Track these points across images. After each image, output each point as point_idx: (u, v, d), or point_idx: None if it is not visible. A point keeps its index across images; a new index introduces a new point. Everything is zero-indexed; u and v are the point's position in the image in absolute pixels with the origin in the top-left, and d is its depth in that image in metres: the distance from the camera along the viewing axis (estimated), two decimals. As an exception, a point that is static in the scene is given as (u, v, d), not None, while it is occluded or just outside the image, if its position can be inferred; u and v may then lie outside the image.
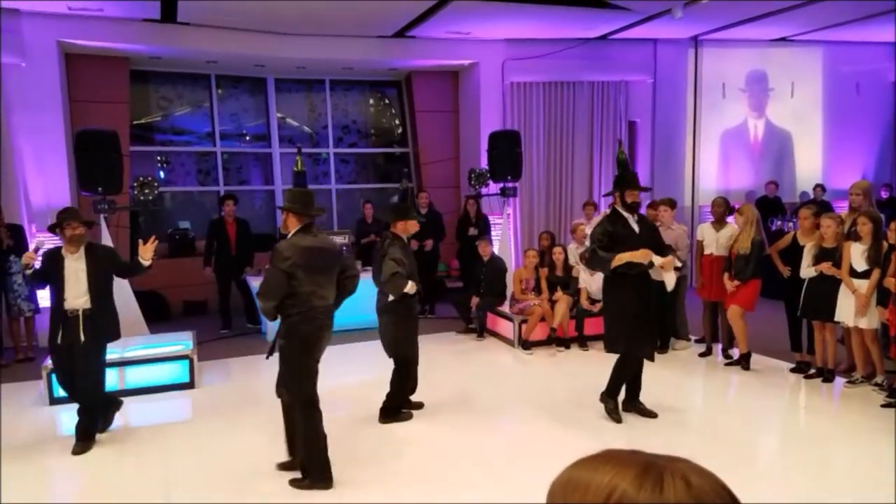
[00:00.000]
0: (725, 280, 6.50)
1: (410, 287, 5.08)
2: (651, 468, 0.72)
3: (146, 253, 4.91)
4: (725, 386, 6.37)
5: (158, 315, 9.02)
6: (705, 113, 11.39)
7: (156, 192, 7.53)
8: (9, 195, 7.74)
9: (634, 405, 5.35)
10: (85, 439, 4.85)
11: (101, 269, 4.86)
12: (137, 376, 6.11)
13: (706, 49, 11.15)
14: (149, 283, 8.97)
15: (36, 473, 4.58)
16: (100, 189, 7.06)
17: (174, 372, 6.24)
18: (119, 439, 5.24)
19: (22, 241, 7.52)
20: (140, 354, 6.28)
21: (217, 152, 10.63)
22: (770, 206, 10.68)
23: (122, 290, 7.33)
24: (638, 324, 5.08)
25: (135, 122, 10.00)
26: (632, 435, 4.97)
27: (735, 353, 6.73)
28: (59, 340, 4.78)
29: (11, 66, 7.91)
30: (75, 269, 4.76)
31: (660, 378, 6.34)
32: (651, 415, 5.27)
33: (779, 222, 10.04)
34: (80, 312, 4.75)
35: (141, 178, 7.54)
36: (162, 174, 10.57)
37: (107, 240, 7.22)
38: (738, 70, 11.48)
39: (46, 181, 8.25)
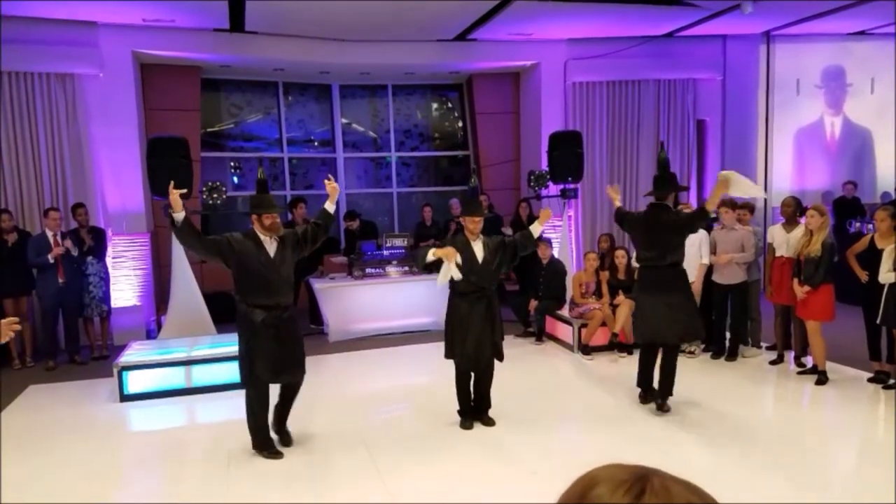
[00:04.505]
0: (795, 286, 6.17)
1: (434, 254, 5.10)
2: (639, 478, 0.71)
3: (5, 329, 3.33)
4: (798, 396, 6.07)
5: (227, 315, 9.25)
6: (778, 110, 10.95)
7: (224, 196, 7.72)
8: (87, 201, 8.11)
9: (652, 395, 5.51)
10: None
11: None
12: (202, 375, 6.30)
13: (778, 45, 10.72)
14: (218, 283, 9.25)
15: (108, 466, 4.79)
16: (170, 194, 7.30)
17: (237, 371, 6.36)
18: (182, 436, 5.42)
19: (102, 244, 7.86)
20: (205, 354, 6.47)
21: (284, 158, 10.90)
22: (848, 208, 10.17)
23: (191, 290, 7.60)
24: (654, 311, 5.30)
25: (208, 130, 10.35)
26: (696, 444, 4.80)
27: (809, 360, 6.42)
28: None
29: (90, 77, 8.33)
30: None
31: (728, 387, 6.12)
32: (664, 409, 5.32)
33: (857, 224, 9.53)
34: None
35: (209, 183, 7.77)
36: (235, 179, 10.91)
37: (176, 244, 7.47)
38: (814, 66, 10.99)
39: (122, 187, 8.63)
